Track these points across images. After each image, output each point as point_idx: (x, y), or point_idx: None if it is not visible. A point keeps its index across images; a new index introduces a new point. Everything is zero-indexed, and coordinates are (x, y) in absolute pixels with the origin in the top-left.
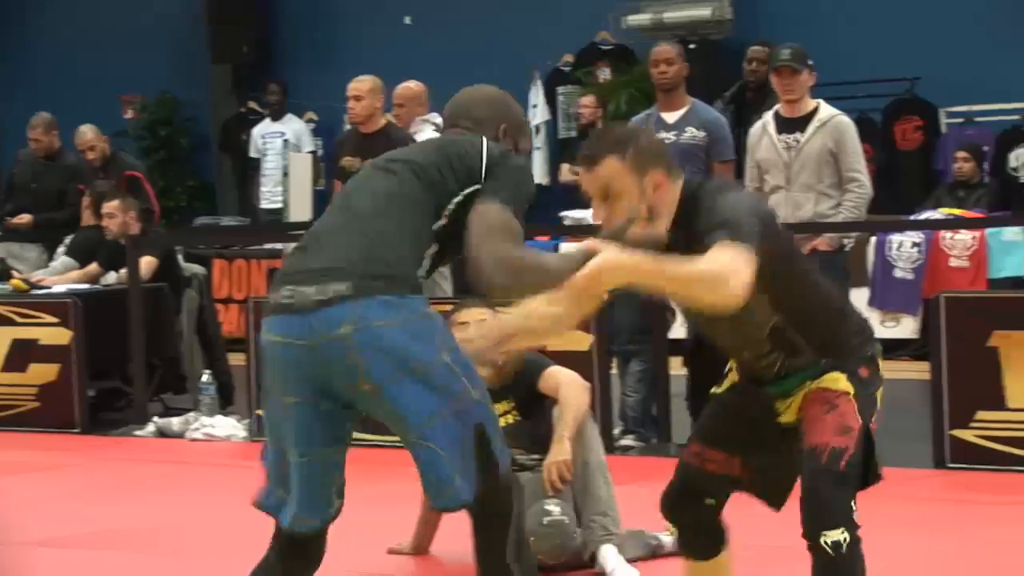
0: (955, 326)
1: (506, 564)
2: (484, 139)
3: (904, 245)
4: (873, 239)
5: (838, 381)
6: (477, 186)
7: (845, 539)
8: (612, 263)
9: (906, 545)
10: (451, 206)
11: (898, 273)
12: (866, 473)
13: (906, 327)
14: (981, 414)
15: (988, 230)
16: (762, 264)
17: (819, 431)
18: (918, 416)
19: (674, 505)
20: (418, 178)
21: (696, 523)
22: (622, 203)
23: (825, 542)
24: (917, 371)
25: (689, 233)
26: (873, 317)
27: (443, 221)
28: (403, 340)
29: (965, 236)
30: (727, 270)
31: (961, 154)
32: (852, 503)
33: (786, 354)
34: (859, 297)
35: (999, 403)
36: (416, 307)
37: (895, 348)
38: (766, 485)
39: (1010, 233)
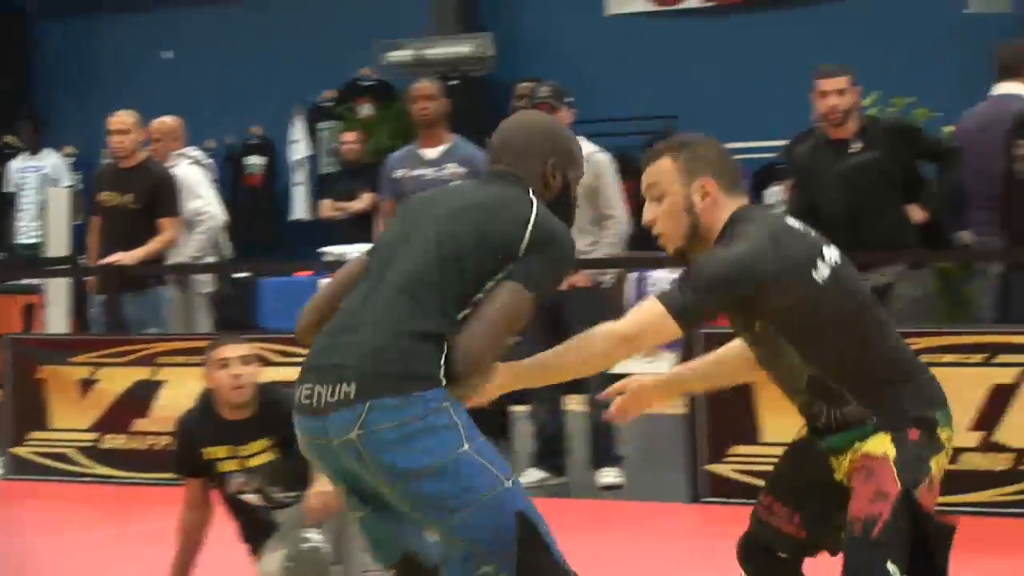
0: None
1: None
2: (532, 211)
3: (662, 281)
4: (632, 275)
5: (881, 444)
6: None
7: None
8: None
9: None
10: (480, 295)
11: None
12: (921, 533)
13: (665, 362)
14: (736, 448)
15: None
16: (779, 313)
17: (855, 504)
18: (675, 451)
19: (745, 555)
20: (450, 264)
21: (766, 571)
22: (665, 203)
23: None
24: (674, 407)
25: None
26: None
27: (468, 311)
28: (411, 441)
29: None
30: (599, 341)
31: None
32: (888, 566)
33: (828, 404)
34: None
35: (753, 437)
36: (426, 403)
37: None
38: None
39: None
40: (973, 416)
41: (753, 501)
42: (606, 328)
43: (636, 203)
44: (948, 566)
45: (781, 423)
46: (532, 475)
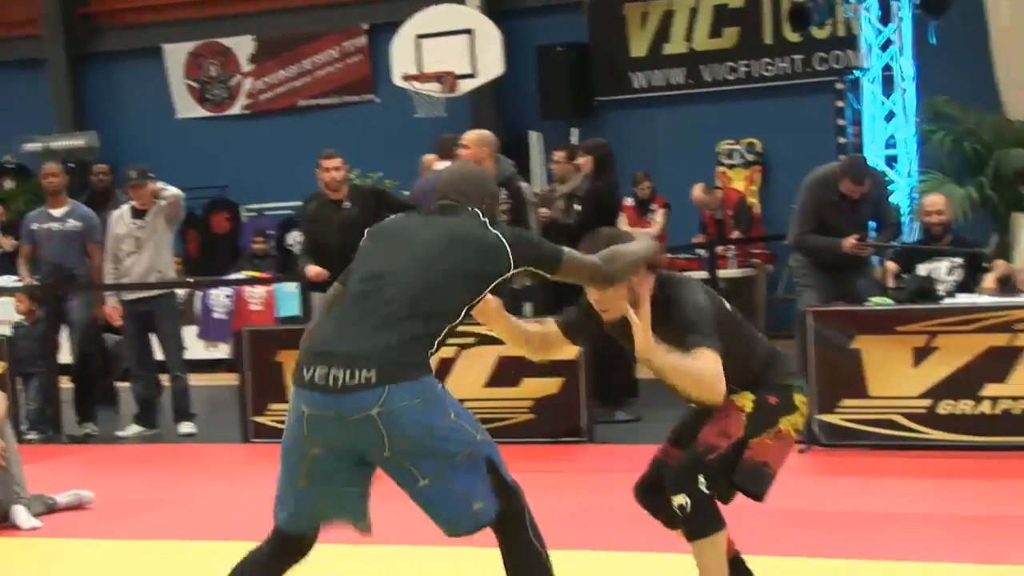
0: (255, 349)
1: (530, 540)
2: (498, 235)
3: (220, 296)
4: (199, 293)
5: (743, 398)
6: (502, 279)
7: (687, 502)
8: (648, 352)
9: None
10: (488, 288)
11: (216, 315)
12: (731, 479)
13: (223, 350)
14: (272, 404)
15: (275, 285)
16: None
17: (703, 432)
18: (231, 409)
19: (644, 494)
20: (451, 276)
21: (660, 507)
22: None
23: (674, 506)
24: (231, 379)
25: (666, 313)
26: (200, 345)
27: (475, 300)
28: (420, 416)
29: (261, 290)
30: (711, 379)
31: (258, 237)
32: (699, 479)
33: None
34: (190, 332)
35: (285, 396)
36: (428, 385)
37: (216, 365)
38: None
39: (289, 287)
40: None
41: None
42: (707, 366)
43: (198, 245)
44: (758, 494)
45: None
46: (132, 429)
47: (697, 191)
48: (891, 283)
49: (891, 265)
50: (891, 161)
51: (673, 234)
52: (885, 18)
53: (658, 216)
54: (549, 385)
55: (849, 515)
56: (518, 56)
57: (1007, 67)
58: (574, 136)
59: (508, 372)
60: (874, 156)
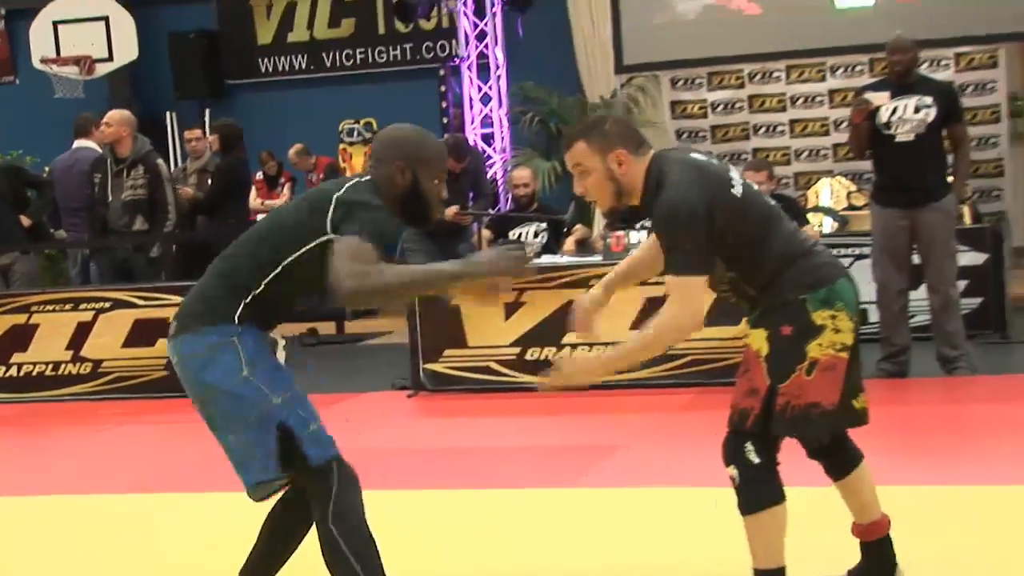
0: None
1: (328, 527)
2: (337, 194)
3: None
4: None
5: (758, 339)
6: (324, 238)
7: (736, 475)
8: (590, 373)
9: None
10: (294, 256)
11: None
12: (769, 422)
13: None
14: None
15: None
16: (715, 238)
17: (736, 393)
18: None
19: None
20: (275, 228)
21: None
22: (591, 178)
23: (728, 476)
24: None
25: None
26: None
27: (283, 266)
28: (201, 369)
29: None
30: (675, 330)
31: None
32: (747, 448)
33: (739, 298)
34: None
35: None
36: (215, 339)
37: None
38: None
39: None
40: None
41: None
42: (668, 321)
43: None
44: (812, 439)
45: None
46: None
47: (291, 153)
48: (487, 247)
49: (486, 232)
50: (488, 139)
51: None
52: (480, 12)
53: (285, 189)
54: None
55: (450, 451)
56: (153, 41)
57: (586, 54)
58: (207, 117)
59: None
60: (472, 135)
